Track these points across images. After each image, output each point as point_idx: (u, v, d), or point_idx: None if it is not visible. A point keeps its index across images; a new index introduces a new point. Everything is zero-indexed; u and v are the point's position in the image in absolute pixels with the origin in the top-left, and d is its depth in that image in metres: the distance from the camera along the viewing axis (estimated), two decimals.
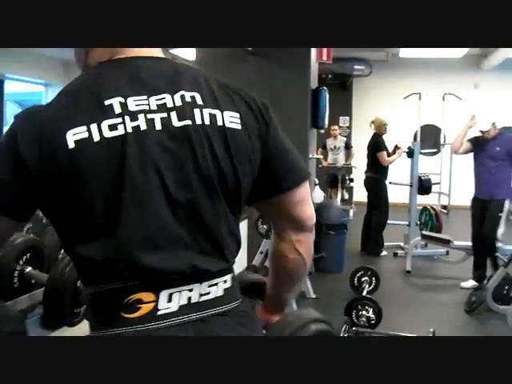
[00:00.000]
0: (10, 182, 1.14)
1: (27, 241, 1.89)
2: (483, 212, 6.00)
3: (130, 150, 1.13)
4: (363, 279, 5.67)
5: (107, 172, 1.13)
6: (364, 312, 4.57)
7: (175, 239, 1.17)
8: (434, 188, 8.26)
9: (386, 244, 8.02)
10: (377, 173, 7.99)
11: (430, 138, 12.52)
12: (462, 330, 5.00)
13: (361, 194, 8.19)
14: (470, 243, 6.29)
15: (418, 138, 11.02)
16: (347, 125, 13.74)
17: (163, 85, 1.22)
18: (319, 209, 6.31)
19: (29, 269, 1.86)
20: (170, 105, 1.19)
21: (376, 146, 7.98)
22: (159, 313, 1.16)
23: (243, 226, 5.70)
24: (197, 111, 1.20)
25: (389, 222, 8.10)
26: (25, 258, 1.83)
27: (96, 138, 1.13)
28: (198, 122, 1.19)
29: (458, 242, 6.68)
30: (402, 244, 8.07)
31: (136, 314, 1.15)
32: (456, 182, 12.09)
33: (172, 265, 1.16)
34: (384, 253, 7.93)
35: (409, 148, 8.04)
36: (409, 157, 7.93)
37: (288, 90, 5.71)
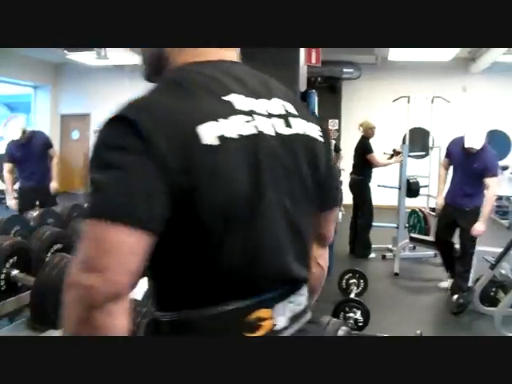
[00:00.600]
0: (155, 187, 1.01)
1: (14, 244, 1.89)
2: (449, 217, 5.97)
3: (262, 151, 1.12)
4: (351, 281, 5.71)
5: (245, 173, 1.10)
6: (352, 314, 4.60)
7: (287, 251, 1.18)
8: (423, 191, 8.30)
9: (374, 246, 8.06)
10: (361, 175, 8.09)
11: (418, 140, 12.59)
12: (449, 332, 5.03)
13: (350, 197, 8.23)
14: (457, 246, 6.32)
15: (407, 141, 11.06)
16: (336, 128, 13.79)
17: (260, 89, 1.22)
18: None
19: (15, 272, 1.87)
20: (274, 111, 1.19)
21: (364, 148, 8.05)
22: (276, 328, 1.16)
23: None
24: (294, 121, 1.22)
25: (377, 224, 8.15)
26: (11, 260, 1.83)
27: (231, 134, 1.09)
28: (299, 131, 1.22)
29: None
30: (390, 246, 8.12)
31: (257, 333, 1.14)
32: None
33: (286, 276, 1.18)
34: (372, 255, 7.97)
35: (393, 150, 8.15)
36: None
37: None
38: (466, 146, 5.61)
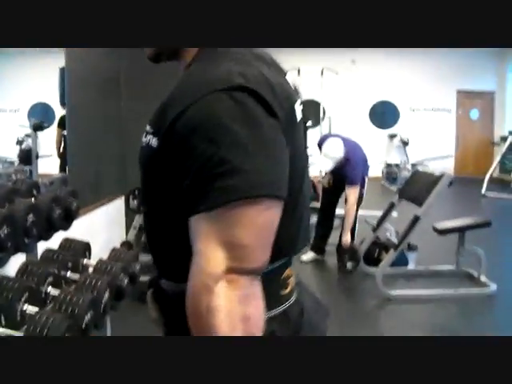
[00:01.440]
0: (287, 161, 1.04)
1: None
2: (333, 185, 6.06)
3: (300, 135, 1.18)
4: None
5: (301, 156, 1.17)
6: None
7: (304, 231, 1.27)
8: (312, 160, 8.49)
9: None
10: None
11: (309, 112, 12.84)
12: (337, 292, 5.21)
13: None
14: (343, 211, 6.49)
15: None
16: None
17: (275, 71, 1.17)
18: None
19: None
20: (292, 94, 1.15)
21: None
22: (293, 285, 1.26)
23: (120, 203, 5.68)
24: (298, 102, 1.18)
25: None
26: None
27: (299, 119, 1.14)
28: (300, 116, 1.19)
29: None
30: None
31: (287, 290, 1.22)
32: None
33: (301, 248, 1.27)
34: None
35: None
36: None
37: (161, 70, 5.71)
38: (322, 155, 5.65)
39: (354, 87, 13.85)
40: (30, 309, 2.29)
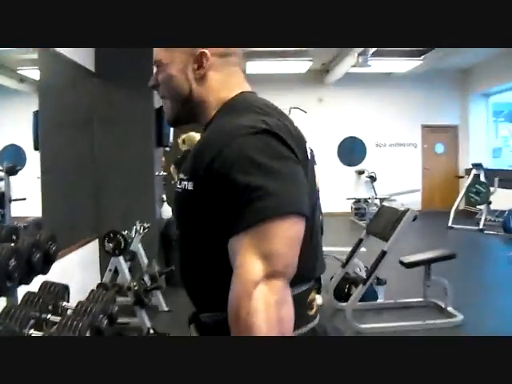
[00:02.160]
0: (305, 186, 1.26)
1: None
2: None
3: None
4: None
5: (313, 184, 1.37)
6: None
7: (321, 257, 1.47)
8: None
9: None
10: None
11: None
12: None
13: None
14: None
15: None
16: None
17: (286, 119, 1.37)
18: (169, 224, 6.44)
19: None
20: (303, 137, 1.38)
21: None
22: (317, 308, 1.44)
23: (94, 245, 5.75)
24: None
25: None
26: None
27: (309, 156, 1.37)
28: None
29: None
30: None
31: (313, 311, 1.42)
32: None
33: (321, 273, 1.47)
34: None
35: None
36: None
37: (132, 110, 5.84)
38: None
39: (322, 125, 14.10)
40: None
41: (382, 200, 12.23)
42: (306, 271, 1.33)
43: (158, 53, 1.46)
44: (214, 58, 1.41)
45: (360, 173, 14.44)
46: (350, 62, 10.85)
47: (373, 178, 14.09)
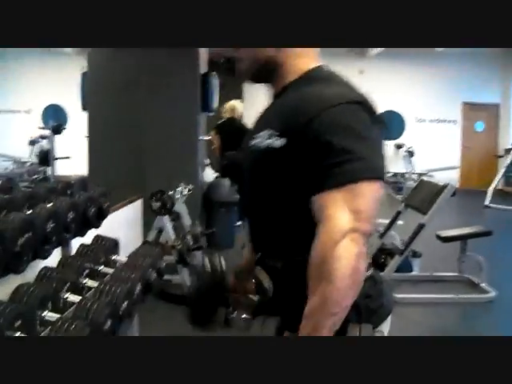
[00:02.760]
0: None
1: None
2: None
3: None
4: None
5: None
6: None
7: None
8: None
9: None
10: None
11: None
12: None
13: None
14: None
15: None
16: None
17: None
18: (211, 187, 6.59)
19: None
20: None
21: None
22: None
23: (138, 205, 5.91)
24: None
25: None
26: None
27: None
28: None
29: None
30: None
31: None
32: None
33: None
34: None
35: None
36: None
37: (178, 75, 5.93)
38: None
39: None
40: (72, 297, 2.54)
41: (419, 175, 12.19)
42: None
43: None
44: None
45: (398, 147, 14.37)
46: None
47: (411, 153, 14.00)
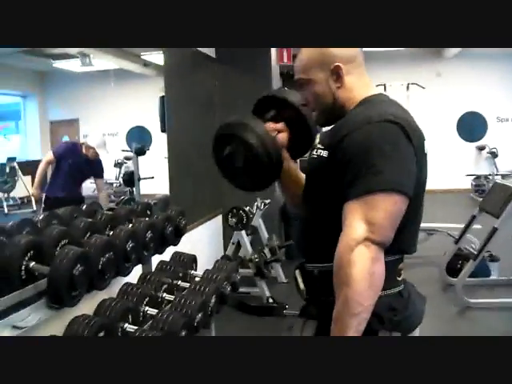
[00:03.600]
0: (414, 169, 1.53)
1: (29, 240, 2.28)
2: None
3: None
4: None
5: (424, 179, 1.63)
6: None
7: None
8: None
9: None
10: None
11: None
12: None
13: None
14: (434, 224, 6.73)
15: None
16: None
17: (407, 113, 1.68)
18: None
19: (32, 263, 2.26)
20: (422, 133, 1.64)
21: None
22: (403, 277, 1.70)
23: (218, 221, 6.14)
24: None
25: None
26: (29, 254, 2.24)
27: (426, 151, 1.64)
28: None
29: (424, 224, 7.01)
30: None
31: (400, 278, 1.67)
32: None
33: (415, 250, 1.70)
34: None
35: None
36: None
37: (250, 94, 6.13)
38: None
39: (441, 99, 13.85)
40: (151, 310, 2.77)
41: (503, 176, 11.91)
42: (405, 245, 1.64)
43: (299, 72, 1.76)
44: (345, 66, 1.69)
45: (481, 148, 14.07)
46: None
47: (494, 154, 13.68)
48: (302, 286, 1.76)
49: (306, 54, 1.73)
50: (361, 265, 1.39)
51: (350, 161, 1.50)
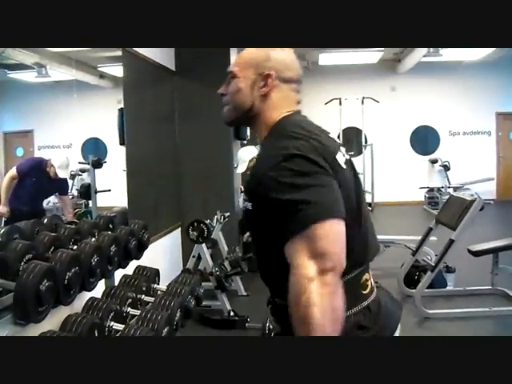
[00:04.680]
0: (338, 192, 1.49)
1: None
2: None
3: (350, 175, 1.63)
4: None
5: (352, 189, 1.60)
6: None
7: (374, 240, 1.74)
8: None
9: None
10: None
11: (352, 139, 13.21)
12: None
13: None
14: (391, 237, 6.84)
15: (341, 141, 11.57)
16: None
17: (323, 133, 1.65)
18: None
19: None
20: (333, 150, 1.59)
21: None
22: (373, 286, 1.69)
23: (176, 234, 6.13)
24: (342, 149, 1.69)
25: None
26: None
27: (343, 164, 1.58)
28: (347, 157, 1.68)
29: (381, 236, 7.16)
30: None
31: (367, 290, 1.65)
32: (378, 180, 12.86)
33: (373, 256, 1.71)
34: None
35: None
36: None
37: (210, 105, 6.16)
38: None
39: (395, 114, 14.09)
40: (116, 326, 2.76)
41: (455, 189, 12.19)
42: (358, 256, 1.62)
43: (235, 65, 1.74)
44: (277, 81, 1.68)
45: (433, 162, 14.36)
46: (422, 51, 10.79)
47: (446, 167, 13.99)
48: (273, 321, 1.76)
49: (251, 51, 1.73)
50: (319, 303, 1.33)
51: (272, 207, 1.46)
